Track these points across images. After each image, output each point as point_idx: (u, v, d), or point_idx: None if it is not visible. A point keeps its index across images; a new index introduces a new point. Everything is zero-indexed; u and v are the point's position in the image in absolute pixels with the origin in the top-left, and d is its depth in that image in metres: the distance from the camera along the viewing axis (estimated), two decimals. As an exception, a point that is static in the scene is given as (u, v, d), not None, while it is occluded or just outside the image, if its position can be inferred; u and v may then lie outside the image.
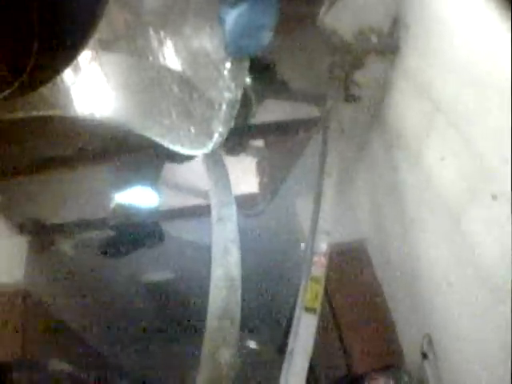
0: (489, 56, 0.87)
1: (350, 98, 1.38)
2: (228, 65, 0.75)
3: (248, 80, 1.38)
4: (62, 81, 0.75)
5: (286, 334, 1.17)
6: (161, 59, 0.77)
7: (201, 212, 1.90)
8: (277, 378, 1.06)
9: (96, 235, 1.91)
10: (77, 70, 0.74)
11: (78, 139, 1.40)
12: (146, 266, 2.66)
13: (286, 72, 1.45)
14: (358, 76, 1.33)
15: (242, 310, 0.94)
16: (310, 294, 1.14)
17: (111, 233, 1.73)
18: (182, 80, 0.77)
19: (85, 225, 1.97)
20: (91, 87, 0.79)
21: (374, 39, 1.21)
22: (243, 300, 0.96)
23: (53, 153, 1.48)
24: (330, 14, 1.13)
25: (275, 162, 1.84)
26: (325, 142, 1.34)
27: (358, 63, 1.30)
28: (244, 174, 1.89)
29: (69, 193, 1.77)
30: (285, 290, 2.34)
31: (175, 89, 0.78)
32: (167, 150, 0.86)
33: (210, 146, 0.79)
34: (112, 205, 1.61)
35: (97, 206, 1.78)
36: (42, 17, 0.61)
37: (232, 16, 0.73)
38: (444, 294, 1.23)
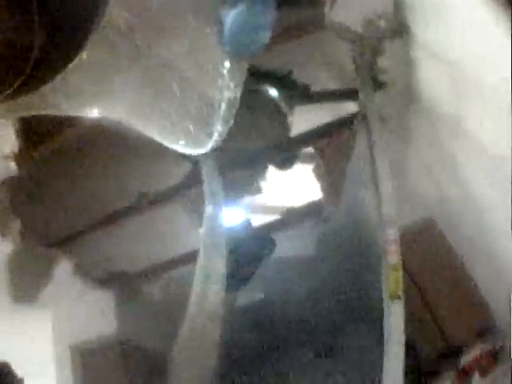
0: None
1: (379, 85, 1.40)
2: (227, 64, 0.75)
3: (275, 93, 1.42)
4: (62, 81, 0.76)
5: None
6: (161, 59, 0.79)
7: (272, 227, 1.95)
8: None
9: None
10: (77, 69, 0.76)
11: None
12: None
13: (309, 77, 1.48)
14: (382, 62, 1.36)
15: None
16: (391, 282, 1.16)
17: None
18: (182, 80, 0.79)
19: (169, 264, 1.96)
20: (91, 87, 0.81)
21: (383, 24, 1.22)
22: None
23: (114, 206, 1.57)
24: (335, 11, 1.16)
25: (330, 165, 1.86)
26: (369, 134, 1.35)
27: (377, 50, 1.32)
28: (303, 184, 1.94)
29: (142, 237, 1.78)
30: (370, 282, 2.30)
31: (175, 88, 0.79)
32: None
33: (209, 146, 0.81)
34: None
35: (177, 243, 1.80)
36: (42, 17, 0.64)
37: (231, 16, 0.74)
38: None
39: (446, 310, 1.70)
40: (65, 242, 1.75)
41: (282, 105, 1.45)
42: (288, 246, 2.08)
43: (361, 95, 1.36)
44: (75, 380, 1.93)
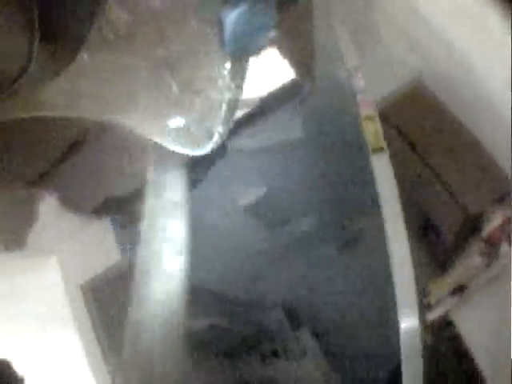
0: None
1: None
2: (228, 65, 0.75)
3: None
4: (62, 81, 0.76)
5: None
6: (160, 59, 0.78)
7: (252, 118, 1.88)
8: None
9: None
10: (76, 69, 0.76)
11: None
12: (237, 190, 2.52)
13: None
14: None
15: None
16: (370, 135, 1.11)
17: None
18: (182, 80, 0.78)
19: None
20: (91, 87, 0.81)
21: None
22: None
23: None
24: None
25: (294, 39, 1.74)
26: None
27: None
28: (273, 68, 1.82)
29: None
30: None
31: (175, 89, 0.79)
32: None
33: (209, 147, 0.81)
34: None
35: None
36: (41, 17, 0.65)
37: (232, 16, 0.73)
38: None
39: (457, 178, 1.60)
40: (43, 178, 1.65)
41: None
42: (273, 134, 2.02)
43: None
44: (92, 319, 1.87)
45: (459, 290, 1.46)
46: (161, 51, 0.78)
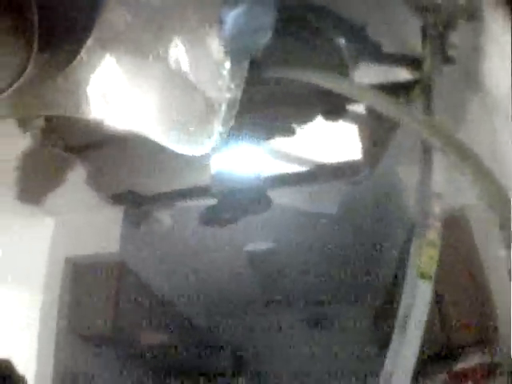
0: None
1: (447, 60, 1.31)
2: (228, 65, 0.74)
3: (342, 42, 1.36)
4: (62, 81, 0.77)
5: (387, 303, 1.16)
6: (161, 59, 0.77)
7: (302, 179, 1.90)
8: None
9: (196, 204, 1.83)
10: (76, 69, 0.77)
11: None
12: (248, 235, 2.52)
13: (376, 35, 1.42)
14: (453, 37, 1.27)
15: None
16: (425, 259, 1.11)
17: (213, 201, 1.66)
18: (182, 80, 0.78)
19: (183, 194, 1.91)
20: (91, 87, 0.81)
21: (461, 1, 1.15)
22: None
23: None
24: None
25: (377, 127, 1.77)
26: (427, 105, 1.28)
27: (451, 23, 1.25)
28: (346, 141, 1.82)
29: (163, 162, 1.69)
30: (387, 257, 2.23)
31: (175, 88, 0.79)
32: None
33: (209, 147, 0.80)
34: (212, 171, 1.57)
35: (196, 174, 1.68)
36: (41, 17, 0.65)
37: (232, 16, 0.72)
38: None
39: (454, 307, 1.66)
40: (84, 149, 1.68)
41: (346, 56, 1.38)
42: (312, 202, 2.02)
43: (425, 65, 1.29)
44: (62, 292, 1.93)
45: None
46: (160, 51, 0.77)
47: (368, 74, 1.48)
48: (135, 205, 1.99)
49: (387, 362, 1.02)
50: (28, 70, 0.69)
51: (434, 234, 1.11)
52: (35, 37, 0.66)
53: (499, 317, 1.56)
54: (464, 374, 1.51)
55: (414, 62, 1.37)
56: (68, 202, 1.90)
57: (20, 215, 1.82)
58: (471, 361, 1.52)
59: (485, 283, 1.63)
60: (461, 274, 1.66)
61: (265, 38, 0.76)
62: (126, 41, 0.77)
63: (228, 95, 0.76)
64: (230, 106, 0.77)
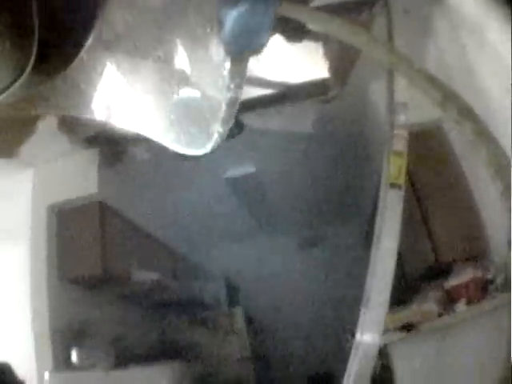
0: None
1: None
2: (228, 65, 0.74)
3: None
4: (62, 81, 0.76)
5: (372, 218, 1.20)
6: (161, 59, 0.77)
7: (272, 101, 1.90)
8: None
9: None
10: (76, 69, 0.75)
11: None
12: (227, 163, 2.57)
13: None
14: None
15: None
16: (394, 168, 1.16)
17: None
18: (182, 80, 0.77)
19: None
20: (91, 87, 0.80)
21: None
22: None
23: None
24: None
25: (342, 44, 1.74)
26: (389, 22, 1.29)
27: None
28: (312, 60, 1.81)
29: None
30: (368, 172, 2.29)
31: (175, 88, 0.78)
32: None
33: (209, 147, 0.80)
34: None
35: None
36: (41, 17, 0.63)
37: (232, 16, 0.71)
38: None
39: (442, 223, 1.65)
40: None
41: None
42: (286, 122, 2.04)
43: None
44: (49, 240, 1.96)
45: (407, 327, 1.50)
46: (160, 51, 0.76)
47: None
48: (110, 145, 1.97)
49: (368, 274, 1.10)
50: (28, 71, 0.67)
51: (400, 144, 1.15)
52: (35, 37, 0.65)
53: (488, 230, 1.59)
54: (457, 291, 1.50)
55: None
56: (43, 150, 1.86)
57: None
58: (463, 277, 1.51)
59: (470, 197, 1.64)
60: (446, 189, 1.67)
61: (265, 38, 0.74)
62: (126, 42, 0.75)
63: (228, 95, 0.76)
64: (229, 105, 0.77)
